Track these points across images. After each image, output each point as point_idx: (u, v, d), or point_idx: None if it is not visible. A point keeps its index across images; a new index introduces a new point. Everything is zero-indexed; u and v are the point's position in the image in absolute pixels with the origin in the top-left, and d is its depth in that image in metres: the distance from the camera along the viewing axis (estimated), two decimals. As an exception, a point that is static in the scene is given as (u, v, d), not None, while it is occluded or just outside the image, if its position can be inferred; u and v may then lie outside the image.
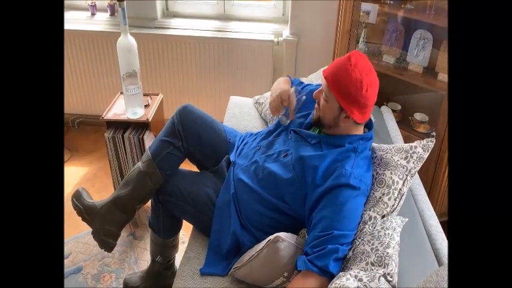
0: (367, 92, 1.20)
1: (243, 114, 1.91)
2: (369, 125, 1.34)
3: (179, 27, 2.43)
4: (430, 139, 1.27)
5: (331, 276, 1.07)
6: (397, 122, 1.94)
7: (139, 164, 1.42)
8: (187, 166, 1.50)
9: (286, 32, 2.38)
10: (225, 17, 2.50)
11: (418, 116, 2.10)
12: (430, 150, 1.25)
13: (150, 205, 1.54)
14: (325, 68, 1.33)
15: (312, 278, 1.08)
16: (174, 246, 1.60)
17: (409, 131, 2.07)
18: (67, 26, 2.41)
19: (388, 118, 1.91)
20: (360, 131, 1.30)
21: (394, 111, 2.11)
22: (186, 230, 1.86)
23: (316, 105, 1.32)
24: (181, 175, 1.42)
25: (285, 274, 1.15)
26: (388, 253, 1.03)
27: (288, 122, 1.40)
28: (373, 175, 1.26)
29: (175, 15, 2.52)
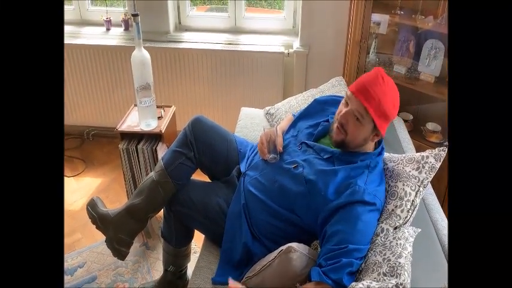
0: (395, 107, 1.24)
1: (254, 125, 1.93)
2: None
3: (191, 40, 2.48)
4: (441, 148, 1.25)
5: None
6: (408, 132, 1.93)
7: (152, 174, 1.44)
8: (199, 176, 1.51)
9: (296, 44, 2.40)
10: (236, 30, 2.55)
11: (430, 125, 2.09)
12: (442, 160, 1.24)
13: (162, 215, 1.56)
14: (349, 89, 1.24)
15: None
16: (186, 256, 1.61)
17: (421, 141, 2.06)
18: (83, 41, 2.48)
19: (400, 128, 1.90)
20: (371, 145, 1.31)
21: (405, 121, 2.10)
22: (197, 240, 1.87)
23: (338, 128, 1.25)
24: (193, 185, 1.44)
25: (297, 285, 1.14)
26: (400, 263, 1.02)
27: (278, 158, 1.35)
28: (385, 188, 1.26)
29: (188, 28, 2.58)
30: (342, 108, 1.27)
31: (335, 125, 1.28)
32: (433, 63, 1.98)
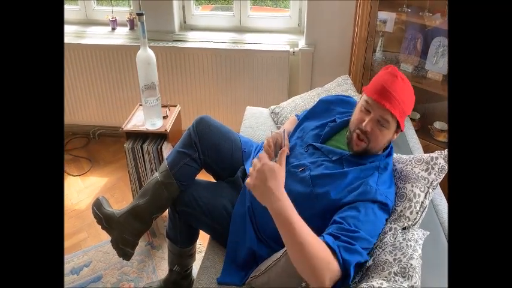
0: (413, 101, 1.23)
1: (259, 124, 1.92)
2: None
3: (196, 39, 2.47)
4: None
5: (344, 276, 0.99)
6: (416, 131, 1.90)
7: (156, 175, 1.44)
8: (204, 176, 1.50)
9: (302, 42, 2.39)
10: (241, 29, 2.54)
11: (438, 124, 2.06)
12: None
13: (167, 215, 1.55)
14: (368, 95, 1.18)
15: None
16: (191, 256, 1.60)
17: (429, 140, 2.04)
18: (89, 40, 2.49)
19: (407, 127, 1.87)
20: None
21: (412, 120, 2.08)
22: (203, 240, 1.87)
23: (358, 137, 1.20)
24: (198, 186, 1.43)
25: (303, 284, 1.13)
26: (412, 265, 1.00)
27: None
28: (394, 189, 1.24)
29: (193, 28, 2.57)
30: (362, 117, 1.20)
31: (354, 135, 1.21)
32: (440, 61, 1.96)
